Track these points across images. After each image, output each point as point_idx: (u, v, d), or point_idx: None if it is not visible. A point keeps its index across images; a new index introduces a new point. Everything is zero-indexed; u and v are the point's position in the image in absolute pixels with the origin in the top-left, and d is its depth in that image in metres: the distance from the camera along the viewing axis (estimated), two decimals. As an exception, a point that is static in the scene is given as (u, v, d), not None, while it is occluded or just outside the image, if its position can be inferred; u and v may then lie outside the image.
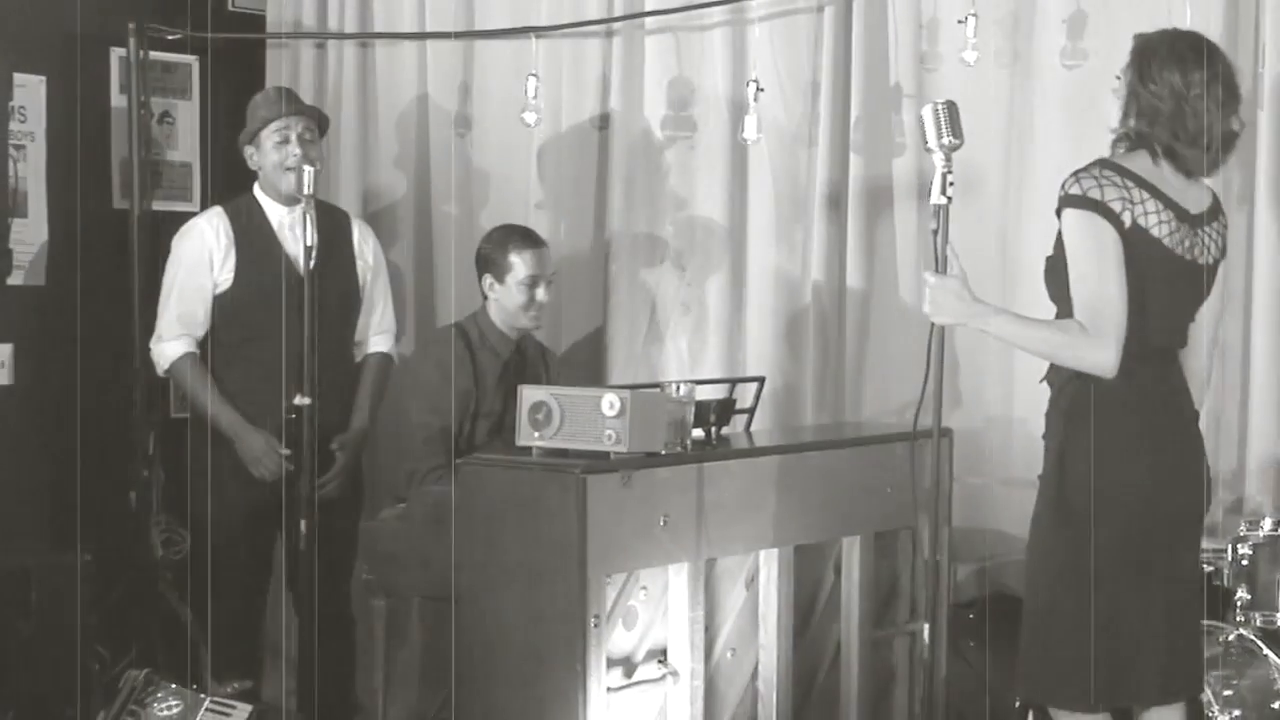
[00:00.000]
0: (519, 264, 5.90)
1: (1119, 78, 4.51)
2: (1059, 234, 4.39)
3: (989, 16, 5.76)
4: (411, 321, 6.91)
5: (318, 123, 6.09)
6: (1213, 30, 5.62)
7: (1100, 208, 4.31)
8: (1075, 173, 4.39)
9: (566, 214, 6.72)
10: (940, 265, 4.34)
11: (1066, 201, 4.36)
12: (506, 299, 5.93)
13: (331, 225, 5.94)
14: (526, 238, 5.99)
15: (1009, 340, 4.50)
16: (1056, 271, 4.43)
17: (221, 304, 5.97)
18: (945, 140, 4.36)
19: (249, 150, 6.04)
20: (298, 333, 5.61)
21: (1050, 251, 4.45)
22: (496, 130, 6.82)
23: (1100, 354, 4.29)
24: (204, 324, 5.99)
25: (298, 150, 5.92)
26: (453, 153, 6.85)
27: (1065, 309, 4.39)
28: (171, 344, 5.99)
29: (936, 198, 4.34)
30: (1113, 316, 4.29)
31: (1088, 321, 4.32)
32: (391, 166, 6.96)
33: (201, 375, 5.97)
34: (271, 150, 5.97)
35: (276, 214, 6.02)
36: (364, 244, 6.23)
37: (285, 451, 5.82)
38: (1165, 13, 5.66)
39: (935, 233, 4.34)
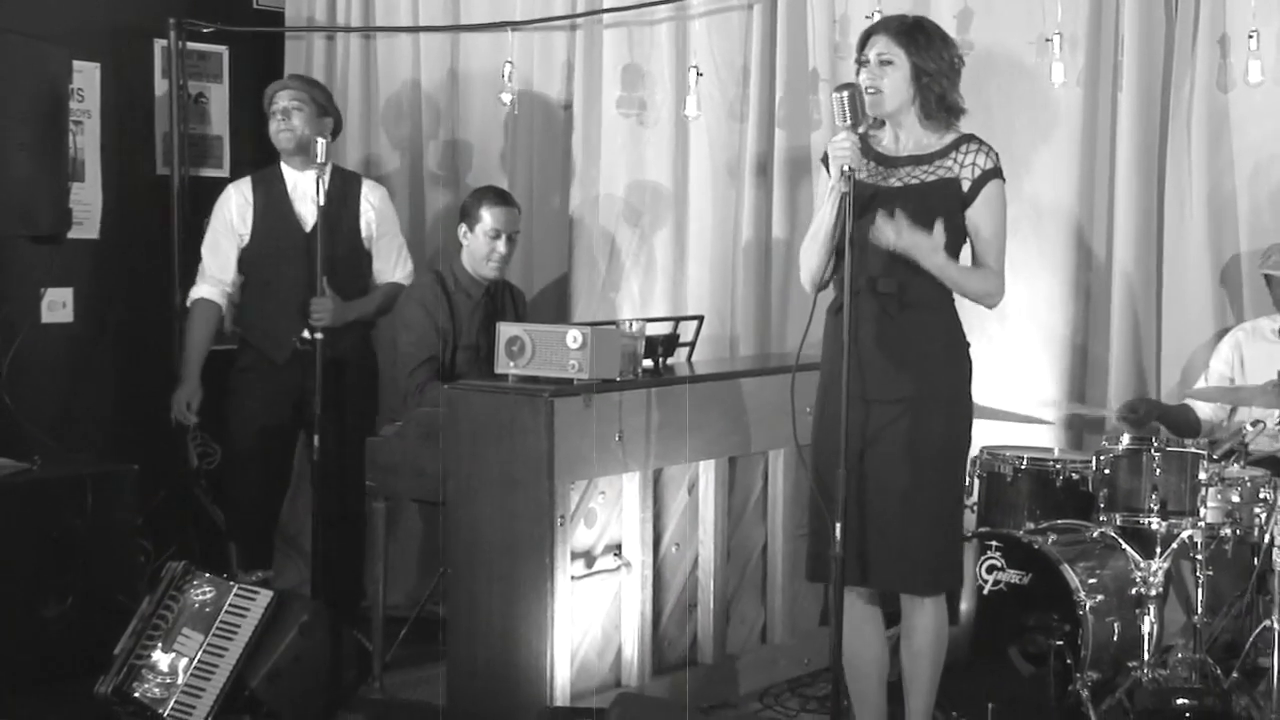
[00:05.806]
0: (488, 217, 5.78)
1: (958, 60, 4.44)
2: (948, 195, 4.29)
3: (892, 11, 5.62)
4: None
5: (309, 94, 5.94)
6: (1079, 22, 5.54)
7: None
8: (988, 148, 4.30)
9: (537, 179, 6.63)
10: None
11: (998, 174, 4.29)
12: (474, 246, 5.81)
13: (343, 186, 5.97)
14: (500, 197, 5.88)
15: (951, 278, 4.25)
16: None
17: (243, 255, 5.98)
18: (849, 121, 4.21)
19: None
20: (306, 277, 5.67)
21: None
22: (478, 108, 6.72)
23: (1002, 293, 4.34)
24: (230, 271, 5.98)
25: (282, 120, 5.89)
26: (440, 126, 6.76)
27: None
28: (197, 287, 6.03)
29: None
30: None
31: (999, 269, 4.31)
32: (388, 138, 6.84)
33: (199, 317, 5.98)
34: (270, 121, 5.96)
35: (292, 178, 5.98)
36: (369, 203, 6.10)
37: (194, 419, 6.02)
38: (1039, 8, 5.58)
39: None
